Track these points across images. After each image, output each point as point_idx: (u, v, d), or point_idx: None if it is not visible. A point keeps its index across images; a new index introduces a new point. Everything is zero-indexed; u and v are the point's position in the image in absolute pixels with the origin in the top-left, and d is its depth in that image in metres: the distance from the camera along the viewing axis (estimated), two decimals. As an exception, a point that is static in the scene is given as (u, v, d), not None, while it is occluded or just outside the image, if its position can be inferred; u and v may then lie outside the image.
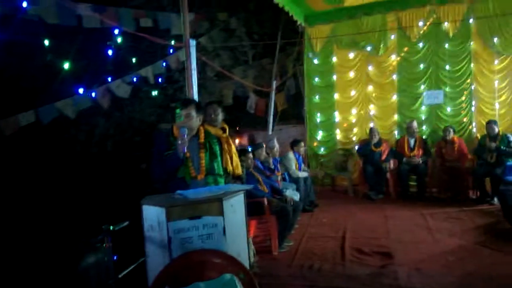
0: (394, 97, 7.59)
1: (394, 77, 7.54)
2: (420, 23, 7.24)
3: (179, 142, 2.83)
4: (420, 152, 6.64)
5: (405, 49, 7.43)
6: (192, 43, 4.91)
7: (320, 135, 8.21)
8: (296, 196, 5.17)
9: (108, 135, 11.28)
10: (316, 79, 8.12)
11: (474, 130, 7.07)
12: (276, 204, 4.41)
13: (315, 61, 8.09)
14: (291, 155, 6.32)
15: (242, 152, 4.60)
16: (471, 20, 6.92)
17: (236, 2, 10.09)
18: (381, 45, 7.49)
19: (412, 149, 6.68)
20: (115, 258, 2.79)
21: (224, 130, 3.61)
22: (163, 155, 2.90)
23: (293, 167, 6.19)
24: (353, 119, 7.95)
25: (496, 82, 6.92)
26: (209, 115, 3.61)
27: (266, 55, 10.44)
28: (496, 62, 6.91)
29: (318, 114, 8.16)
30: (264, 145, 5.60)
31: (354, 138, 7.94)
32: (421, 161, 6.54)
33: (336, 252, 4.19)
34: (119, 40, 6.69)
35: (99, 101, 7.13)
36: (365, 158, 6.92)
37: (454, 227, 4.87)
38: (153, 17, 7.70)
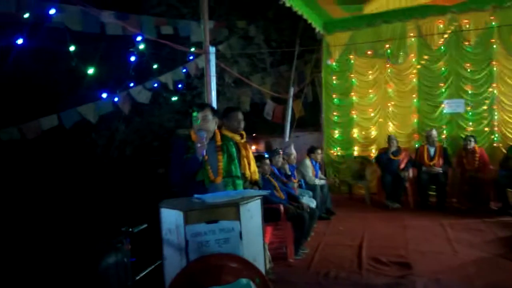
0: (414, 106, 7.50)
1: (414, 85, 7.47)
2: (441, 31, 7.16)
3: (198, 145, 2.87)
4: (441, 161, 6.52)
5: (425, 57, 7.36)
6: (212, 50, 4.99)
7: (337, 142, 8.16)
8: (313, 203, 5.16)
9: (128, 140, 11.46)
10: (334, 86, 8.10)
11: (496, 139, 6.92)
12: (292, 210, 4.41)
13: (333, 68, 8.08)
14: (308, 161, 6.31)
15: (259, 158, 4.62)
16: (493, 28, 6.81)
17: (255, 10, 10.17)
18: (401, 53, 7.44)
19: (432, 158, 6.58)
20: (133, 260, 2.84)
21: (241, 136, 3.64)
22: (182, 159, 2.94)
23: (310, 173, 6.17)
24: (371, 127, 7.88)
25: (519, 91, 6.77)
26: (234, 123, 3.61)
27: (284, 62, 10.48)
28: (519, 70, 6.77)
29: (336, 122, 8.13)
30: (281, 152, 5.61)
31: (372, 146, 7.87)
32: (441, 171, 6.43)
33: (352, 261, 4.15)
34: (141, 47, 6.83)
35: (120, 106, 7.29)
36: (384, 167, 6.85)
37: (474, 238, 4.76)
38: (173, 24, 7.85)
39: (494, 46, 6.85)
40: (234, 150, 3.17)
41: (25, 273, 3.59)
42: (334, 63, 8.06)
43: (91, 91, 7.37)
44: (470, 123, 7.07)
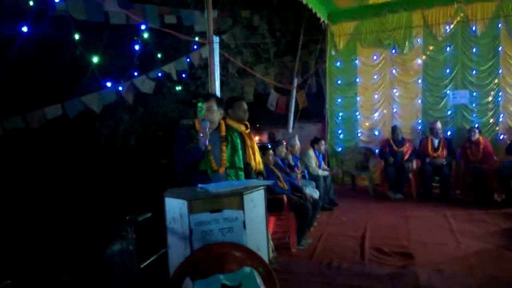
0: (419, 97, 7.45)
1: (419, 76, 7.41)
2: (447, 22, 7.08)
3: (201, 135, 2.88)
4: (445, 152, 6.51)
5: (431, 48, 7.29)
6: (215, 40, 4.95)
7: (341, 133, 8.15)
8: (316, 194, 5.17)
9: (132, 129, 11.49)
10: (339, 77, 8.06)
11: (500, 131, 6.88)
12: (295, 201, 4.42)
13: (338, 59, 8.03)
14: (311, 152, 6.31)
15: (262, 148, 4.62)
16: (500, 19, 6.73)
17: (259, -1, 10.10)
18: (406, 44, 7.37)
19: (436, 150, 6.56)
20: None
21: (246, 126, 3.64)
22: (185, 148, 2.95)
23: (313, 164, 6.17)
24: (375, 118, 7.85)
25: (525, 83, 6.72)
26: (239, 112, 3.62)
27: (288, 52, 10.42)
28: (525, 62, 6.70)
29: (340, 113, 8.10)
30: (284, 142, 5.61)
31: (376, 137, 7.85)
32: (445, 162, 6.42)
33: (355, 251, 4.17)
34: (144, 36, 6.81)
35: (124, 96, 7.30)
36: (387, 159, 6.83)
37: (477, 229, 4.76)
38: (177, 14, 7.81)
39: (501, 36, 6.77)
40: (238, 141, 3.17)
41: (31, 260, 3.64)
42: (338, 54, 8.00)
43: (95, 81, 7.38)
44: (475, 114, 7.03)
